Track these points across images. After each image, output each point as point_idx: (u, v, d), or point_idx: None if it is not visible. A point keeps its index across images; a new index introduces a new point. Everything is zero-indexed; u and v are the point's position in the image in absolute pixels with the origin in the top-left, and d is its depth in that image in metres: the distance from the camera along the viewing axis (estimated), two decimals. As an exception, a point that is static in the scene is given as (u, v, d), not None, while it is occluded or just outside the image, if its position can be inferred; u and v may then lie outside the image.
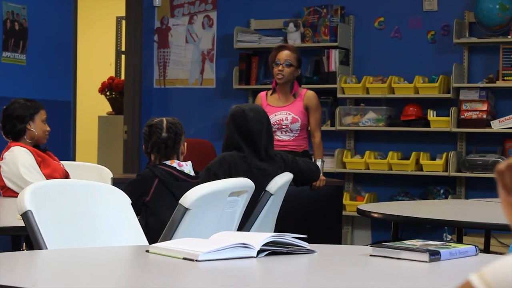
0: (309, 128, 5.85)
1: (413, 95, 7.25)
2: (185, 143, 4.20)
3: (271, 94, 5.88)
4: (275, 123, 5.72)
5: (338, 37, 7.51)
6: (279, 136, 5.74)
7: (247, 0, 8.13)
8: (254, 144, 4.57)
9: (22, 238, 4.54)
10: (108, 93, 9.38)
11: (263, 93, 5.96)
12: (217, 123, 8.10)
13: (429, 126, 7.18)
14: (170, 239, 3.06)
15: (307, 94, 5.84)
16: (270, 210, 4.48)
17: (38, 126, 4.78)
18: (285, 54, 5.79)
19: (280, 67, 5.76)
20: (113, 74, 10.01)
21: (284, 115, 5.77)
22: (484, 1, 6.97)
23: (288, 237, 2.35)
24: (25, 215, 2.59)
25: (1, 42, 6.95)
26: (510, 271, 1.09)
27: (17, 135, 4.75)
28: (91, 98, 9.55)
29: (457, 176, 7.16)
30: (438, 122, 7.14)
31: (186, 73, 8.36)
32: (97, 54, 10.33)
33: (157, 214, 3.97)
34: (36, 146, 4.81)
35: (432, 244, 2.34)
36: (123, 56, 9.48)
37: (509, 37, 7.00)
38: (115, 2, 9.62)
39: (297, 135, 5.79)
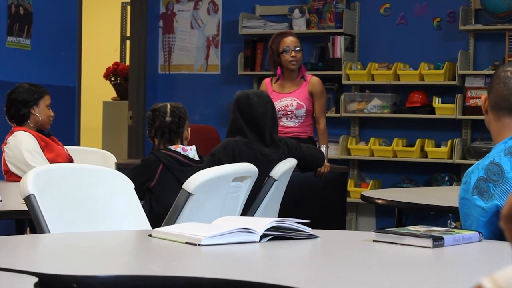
0: (314, 115, 5.84)
1: (419, 82, 7.23)
2: (189, 128, 4.20)
3: (275, 82, 5.86)
4: (280, 109, 5.71)
5: (344, 24, 7.49)
6: (284, 122, 5.74)
7: (253, -14, 8.11)
8: (258, 128, 4.57)
9: (26, 222, 4.55)
10: (113, 79, 9.36)
11: (268, 80, 5.95)
12: (222, 109, 8.09)
13: (434, 113, 7.16)
14: (173, 224, 3.05)
15: (312, 80, 5.84)
16: (274, 196, 4.48)
17: (42, 111, 4.77)
18: (292, 40, 5.78)
19: (293, 53, 5.75)
20: (118, 60, 9.99)
21: (290, 101, 5.77)
22: (490, -12, 6.95)
23: (291, 222, 2.34)
24: (28, 199, 2.59)
25: (5, 26, 6.94)
26: None
27: (21, 120, 4.75)
28: (96, 83, 9.54)
29: (462, 164, 7.14)
30: (443, 109, 7.13)
31: (191, 59, 8.34)
32: (102, 40, 10.31)
33: (162, 199, 3.97)
34: (40, 131, 4.80)
35: (436, 230, 2.33)
36: (128, 42, 9.46)
37: (515, 24, 6.98)
38: (120, -13, 9.61)
39: (302, 121, 5.78)
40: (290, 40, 5.78)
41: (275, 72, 5.87)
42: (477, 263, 2.21)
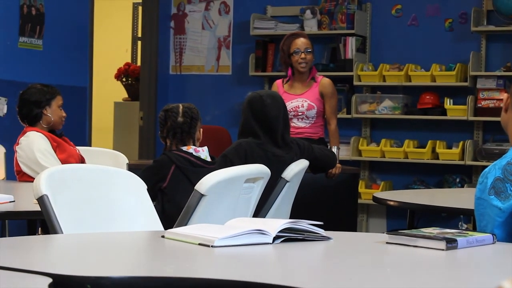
0: (325, 116, 5.84)
1: (430, 83, 7.22)
2: (201, 129, 4.20)
3: (285, 83, 5.87)
4: (291, 110, 5.72)
5: (355, 25, 7.48)
6: (295, 123, 5.74)
7: (264, -13, 8.10)
8: (271, 130, 4.56)
9: (38, 222, 4.56)
10: (124, 79, 9.38)
11: (279, 81, 5.95)
12: (233, 110, 8.09)
13: (445, 115, 7.15)
14: (186, 225, 3.05)
15: (323, 81, 5.84)
16: (286, 197, 4.47)
17: (54, 112, 4.78)
18: (303, 42, 5.79)
19: (302, 55, 5.75)
20: (129, 60, 10.00)
21: (300, 102, 5.77)
22: (502, -11, 6.93)
23: (304, 224, 2.34)
24: (41, 200, 2.59)
25: (18, 27, 6.96)
26: None
27: (33, 120, 4.76)
28: (107, 84, 9.56)
29: (473, 165, 7.13)
30: (454, 111, 7.11)
31: (202, 59, 8.35)
32: (113, 40, 10.33)
33: (174, 200, 3.97)
34: (52, 131, 4.81)
35: (449, 232, 2.32)
36: (139, 42, 9.47)
37: (527, 25, 6.96)
38: (132, -12, 9.61)
39: (313, 122, 5.78)
40: (301, 42, 5.78)
41: (287, 73, 5.87)
42: (491, 266, 2.20)
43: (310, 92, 5.80)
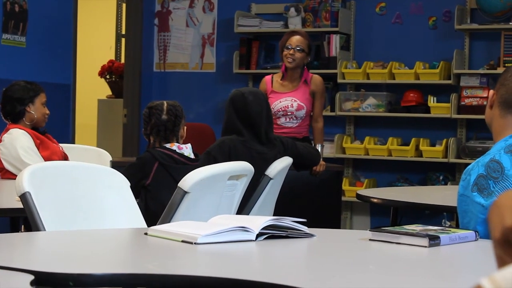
0: (312, 113, 5.84)
1: (414, 81, 7.23)
2: (185, 127, 4.19)
3: (281, 79, 5.84)
4: (280, 109, 5.71)
5: (339, 22, 7.49)
6: (283, 123, 5.73)
7: (248, -16, 8.10)
8: (254, 127, 4.56)
9: (21, 220, 4.53)
10: (108, 77, 9.35)
11: (268, 77, 5.94)
12: (217, 107, 8.08)
13: (429, 112, 7.17)
14: (169, 222, 3.05)
15: (314, 79, 5.83)
16: (269, 195, 4.47)
17: (37, 109, 4.76)
18: (296, 39, 5.77)
19: (291, 51, 5.74)
20: (113, 58, 9.97)
21: (290, 102, 5.75)
22: (486, -13, 6.95)
23: (288, 221, 2.34)
24: (24, 197, 2.58)
25: (1, 24, 6.93)
26: None
27: (16, 117, 4.74)
28: (91, 81, 9.53)
29: (456, 163, 7.15)
30: (438, 108, 7.13)
31: (186, 57, 8.33)
32: (97, 37, 10.30)
33: (157, 197, 3.96)
34: (35, 129, 4.79)
35: (432, 229, 2.33)
36: (123, 40, 9.44)
37: (511, 23, 6.98)
38: (116, -15, 9.58)
39: (300, 122, 5.77)
40: (295, 39, 5.78)
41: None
42: (473, 262, 2.20)
43: (299, 91, 5.78)
